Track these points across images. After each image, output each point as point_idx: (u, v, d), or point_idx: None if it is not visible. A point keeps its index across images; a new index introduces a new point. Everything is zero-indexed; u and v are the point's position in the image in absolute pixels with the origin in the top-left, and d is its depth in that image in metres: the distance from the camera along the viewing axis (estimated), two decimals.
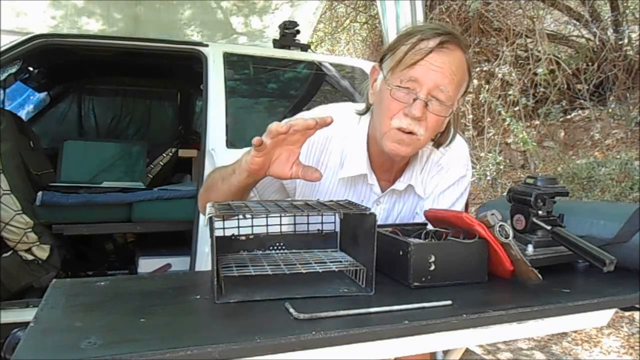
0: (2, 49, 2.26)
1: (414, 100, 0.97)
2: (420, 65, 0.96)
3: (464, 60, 1.01)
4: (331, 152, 1.10)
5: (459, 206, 1.17)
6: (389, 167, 1.12)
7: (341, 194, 1.13)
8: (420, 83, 0.97)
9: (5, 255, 2.35)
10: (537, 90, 5.18)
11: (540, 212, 0.96)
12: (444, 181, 1.15)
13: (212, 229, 0.76)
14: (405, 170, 1.14)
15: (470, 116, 5.46)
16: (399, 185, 1.13)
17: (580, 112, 5.71)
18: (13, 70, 2.91)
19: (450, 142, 1.13)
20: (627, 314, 2.86)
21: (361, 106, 1.14)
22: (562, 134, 5.52)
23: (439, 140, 1.11)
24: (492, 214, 0.86)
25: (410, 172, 1.14)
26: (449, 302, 0.75)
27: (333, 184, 1.12)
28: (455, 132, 1.12)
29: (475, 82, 5.20)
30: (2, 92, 2.98)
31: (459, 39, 1.01)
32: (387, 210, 1.16)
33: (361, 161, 1.09)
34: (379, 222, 1.12)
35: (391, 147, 1.02)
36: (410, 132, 0.99)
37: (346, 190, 1.13)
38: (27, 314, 2.11)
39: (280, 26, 3.03)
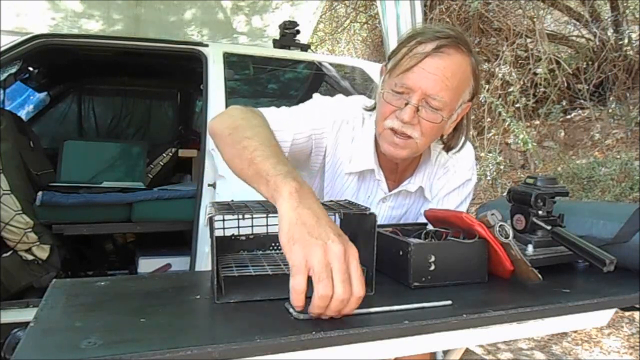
0: (2, 49, 2.26)
1: (406, 104, 0.97)
2: (413, 71, 0.96)
3: (464, 64, 0.98)
4: (352, 139, 1.11)
5: (462, 209, 1.17)
6: (393, 167, 1.12)
7: (352, 187, 1.13)
8: (413, 89, 0.96)
9: (5, 255, 2.35)
10: (537, 90, 5.17)
11: (540, 212, 0.96)
12: (450, 184, 1.15)
13: (212, 229, 0.76)
14: (416, 171, 1.14)
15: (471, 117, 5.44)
16: (411, 186, 1.13)
17: (580, 112, 5.71)
18: (13, 70, 2.91)
19: (461, 147, 1.11)
20: (627, 314, 2.86)
21: (371, 102, 1.14)
22: (562, 134, 5.51)
23: (449, 143, 1.10)
24: (492, 214, 0.86)
25: (422, 174, 1.14)
26: (449, 302, 0.75)
27: (347, 177, 1.12)
28: (467, 137, 1.11)
29: None
30: (2, 92, 2.98)
31: (461, 41, 0.97)
32: (393, 209, 1.16)
33: (369, 156, 1.09)
34: (384, 221, 1.13)
35: (386, 148, 1.03)
36: (403, 134, 0.99)
37: (357, 184, 1.13)
38: (27, 314, 2.11)
39: (280, 26, 3.04)
